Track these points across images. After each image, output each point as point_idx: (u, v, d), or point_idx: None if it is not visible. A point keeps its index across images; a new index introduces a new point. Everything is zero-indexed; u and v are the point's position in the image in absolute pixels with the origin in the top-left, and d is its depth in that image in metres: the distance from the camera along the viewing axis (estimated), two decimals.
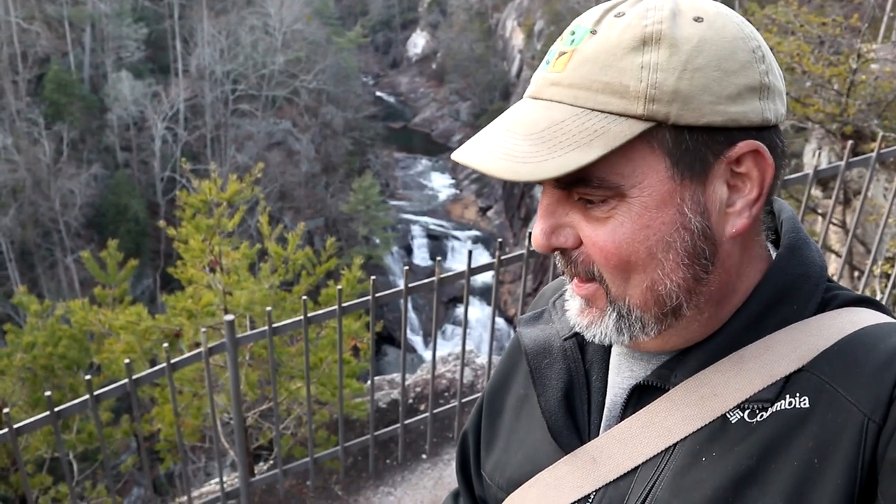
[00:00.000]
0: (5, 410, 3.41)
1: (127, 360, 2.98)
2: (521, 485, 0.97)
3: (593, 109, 0.76)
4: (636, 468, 0.85)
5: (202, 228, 4.41)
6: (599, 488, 0.88)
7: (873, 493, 0.72)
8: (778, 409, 0.78)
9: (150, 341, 4.51)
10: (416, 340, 30.85)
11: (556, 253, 0.84)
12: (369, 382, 3.81)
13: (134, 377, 3.03)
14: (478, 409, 1.16)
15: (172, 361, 3.09)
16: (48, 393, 2.91)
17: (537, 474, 0.95)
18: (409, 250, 37.52)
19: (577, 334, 0.97)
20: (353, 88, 44.00)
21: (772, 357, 0.81)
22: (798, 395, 0.78)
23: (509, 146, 0.76)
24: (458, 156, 0.80)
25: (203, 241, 4.40)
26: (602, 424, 0.92)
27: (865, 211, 4.52)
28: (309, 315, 3.20)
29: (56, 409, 2.96)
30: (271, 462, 4.42)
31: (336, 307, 3.24)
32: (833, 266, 6.03)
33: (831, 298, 0.87)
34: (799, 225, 0.91)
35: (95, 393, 2.99)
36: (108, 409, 5.51)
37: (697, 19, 0.77)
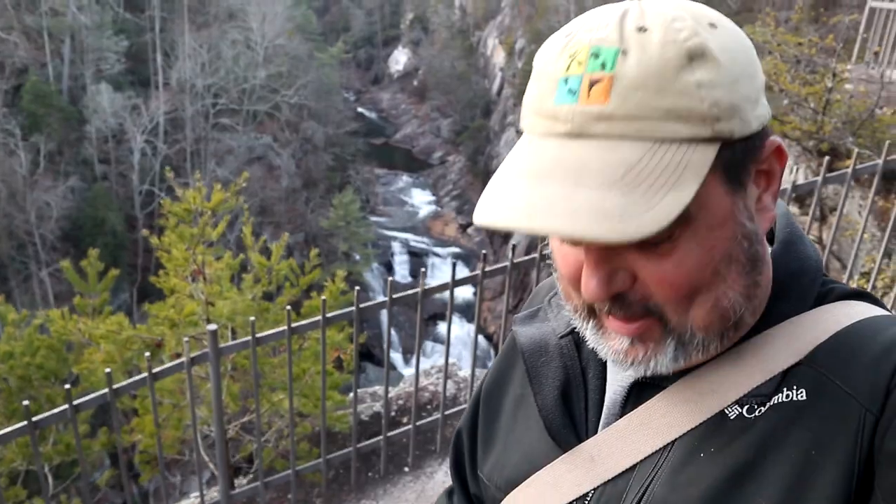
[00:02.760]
0: None
1: (108, 370, 2.96)
2: (519, 484, 0.97)
3: (663, 141, 0.70)
4: (634, 466, 0.85)
5: (186, 237, 4.39)
6: (598, 486, 0.88)
7: (871, 485, 0.72)
8: (775, 402, 0.78)
9: (132, 351, 4.47)
10: (397, 358, 30.77)
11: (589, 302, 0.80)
12: (352, 394, 3.80)
13: (114, 386, 3.01)
14: (472, 408, 1.15)
15: (154, 371, 3.06)
16: (26, 402, 2.88)
17: (535, 473, 0.94)
18: (389, 267, 37.46)
19: (572, 332, 0.96)
20: (335, 104, 44.05)
21: (770, 352, 0.81)
22: (795, 387, 0.78)
23: (595, 202, 0.68)
24: (521, 222, 0.69)
25: (186, 251, 4.38)
26: (601, 423, 0.91)
27: (841, 227, 4.60)
28: (293, 325, 3.19)
29: (33, 419, 2.92)
30: (251, 475, 4.38)
31: (320, 318, 3.23)
32: None
33: (827, 292, 0.87)
34: (793, 220, 0.91)
35: (75, 403, 2.96)
36: (85, 422, 5.44)
37: (713, 26, 0.74)
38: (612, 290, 0.76)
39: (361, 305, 3.33)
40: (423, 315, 3.49)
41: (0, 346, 5.35)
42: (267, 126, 39.11)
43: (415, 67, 55.16)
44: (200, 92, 36.75)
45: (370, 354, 29.01)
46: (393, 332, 30.25)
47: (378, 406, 4.60)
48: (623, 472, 0.86)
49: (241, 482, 4.57)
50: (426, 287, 3.38)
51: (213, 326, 3.10)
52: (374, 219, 39.85)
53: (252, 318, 3.09)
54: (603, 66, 0.71)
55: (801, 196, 5.82)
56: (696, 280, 0.75)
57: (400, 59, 57.99)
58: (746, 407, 0.79)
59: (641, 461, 0.85)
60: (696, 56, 0.70)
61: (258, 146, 37.72)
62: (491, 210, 0.73)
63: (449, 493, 1.24)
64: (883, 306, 0.87)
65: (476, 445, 1.11)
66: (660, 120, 0.70)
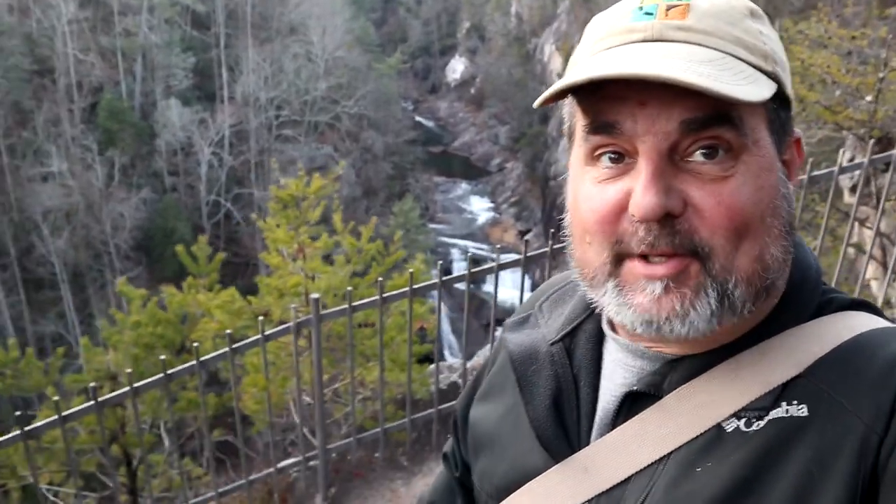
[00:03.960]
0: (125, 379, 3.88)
1: (228, 331, 3.43)
2: (509, 493, 0.94)
3: (735, 56, 0.76)
4: (629, 478, 0.83)
5: (290, 219, 4.91)
6: (591, 498, 0.86)
7: (872, 502, 0.71)
8: (775, 417, 0.76)
9: (242, 320, 4.99)
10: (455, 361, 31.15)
11: (639, 226, 0.76)
12: (432, 366, 4.21)
13: (234, 346, 3.47)
14: (467, 397, 1.14)
15: (266, 333, 3.52)
16: (162, 357, 3.37)
17: (527, 483, 0.92)
18: (448, 273, 37.76)
19: (563, 339, 0.96)
20: (394, 113, 44.83)
21: (768, 364, 0.80)
22: (796, 402, 0.76)
23: (686, 67, 0.72)
24: (618, 67, 0.73)
25: (289, 231, 4.89)
26: (593, 432, 0.89)
27: (887, 211, 4.80)
28: (384, 295, 3.61)
29: (168, 372, 3.40)
30: (343, 433, 4.84)
31: (408, 289, 3.65)
32: (871, 270, 6.27)
33: (827, 302, 0.86)
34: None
35: (201, 359, 3.44)
36: (194, 389, 6.03)
37: (754, 12, 0.82)
38: (668, 205, 0.73)
39: (444, 279, 3.73)
40: (482, 321, 3.88)
41: (131, 317, 6.00)
42: (328, 136, 39.99)
43: (472, 76, 55.63)
44: (264, 104, 37.77)
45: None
46: (452, 337, 30.75)
47: (455, 377, 5.00)
48: (618, 485, 0.84)
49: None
50: (474, 270, 3.81)
51: (316, 295, 3.54)
52: (433, 226, 40.33)
53: (349, 289, 3.52)
54: None
55: (857, 186, 6.00)
56: (749, 215, 0.75)
57: (457, 67, 58.53)
58: (744, 420, 0.78)
59: (636, 473, 0.83)
60: (755, 14, 0.81)
61: (319, 156, 38.56)
62: (591, 70, 0.75)
63: (444, 456, 1.25)
64: (883, 316, 0.87)
65: (466, 434, 1.11)
66: (732, 43, 0.76)
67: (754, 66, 0.76)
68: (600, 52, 0.79)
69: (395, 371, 4.78)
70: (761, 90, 0.73)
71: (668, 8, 0.77)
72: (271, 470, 4.15)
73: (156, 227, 33.34)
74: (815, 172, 3.92)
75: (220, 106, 38.23)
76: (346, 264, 5.13)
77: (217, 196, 35.81)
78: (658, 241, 0.75)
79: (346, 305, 3.59)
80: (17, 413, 3.31)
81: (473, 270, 3.79)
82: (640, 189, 0.74)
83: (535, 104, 0.81)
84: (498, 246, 3.94)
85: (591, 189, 0.79)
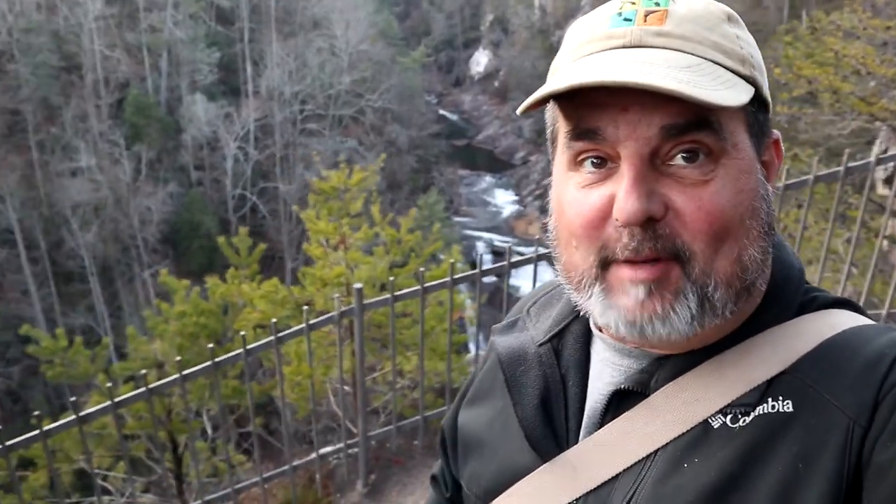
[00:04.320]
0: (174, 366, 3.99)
1: (273, 320, 3.52)
2: (498, 494, 0.96)
3: (713, 62, 0.77)
4: (617, 476, 0.84)
5: (333, 210, 5.01)
6: (580, 497, 0.87)
7: (859, 498, 0.72)
8: (761, 412, 0.78)
9: (285, 309, 5.10)
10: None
11: (623, 231, 0.77)
12: (470, 355, 4.28)
13: (279, 335, 3.57)
14: (455, 409, 1.15)
15: (311, 322, 3.61)
16: (210, 345, 3.47)
17: (516, 483, 0.93)
18: (473, 267, 37.77)
19: (551, 340, 0.98)
20: (418, 107, 44.91)
21: (753, 361, 0.81)
22: (781, 398, 0.78)
23: (665, 73, 0.73)
24: (599, 75, 0.74)
25: (331, 222, 4.99)
26: (581, 431, 0.90)
27: None
28: (425, 285, 3.69)
29: (216, 360, 3.51)
30: (383, 420, 4.94)
31: (448, 279, 3.72)
32: None
33: (809, 301, 0.87)
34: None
35: (248, 347, 3.53)
36: (237, 377, 6.18)
37: (731, 17, 0.84)
38: (650, 210, 0.75)
39: (484, 269, 3.81)
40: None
41: (175, 308, 6.14)
42: (352, 130, 40.14)
43: (495, 68, 55.56)
44: (288, 99, 37.98)
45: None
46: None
47: None
48: (606, 482, 0.85)
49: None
50: (513, 261, 3.87)
51: (358, 285, 3.62)
52: (457, 219, 40.38)
53: (392, 278, 3.61)
54: (657, 4, 0.80)
55: (892, 179, 5.99)
56: (728, 218, 0.76)
57: (481, 60, 58.47)
58: (730, 417, 0.79)
59: (624, 470, 0.84)
60: (732, 19, 0.82)
61: (344, 150, 38.73)
62: (572, 77, 0.76)
63: (433, 478, 1.26)
64: (865, 314, 0.88)
65: (455, 447, 1.11)
66: (710, 48, 0.78)
67: (732, 71, 0.78)
68: (581, 59, 0.80)
69: (434, 360, 4.88)
70: (739, 95, 0.75)
71: (647, 14, 0.79)
72: (314, 456, 4.25)
73: (182, 221, 33.68)
74: (851, 164, 3.93)
75: (244, 100, 38.49)
76: (385, 255, 5.24)
77: (242, 190, 36.11)
78: (642, 245, 0.76)
79: (387, 295, 3.67)
80: (73, 399, 3.43)
81: (513, 261, 3.85)
82: (622, 194, 0.75)
83: (518, 111, 0.81)
84: (537, 237, 4.01)
85: (576, 194, 0.81)
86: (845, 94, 5.95)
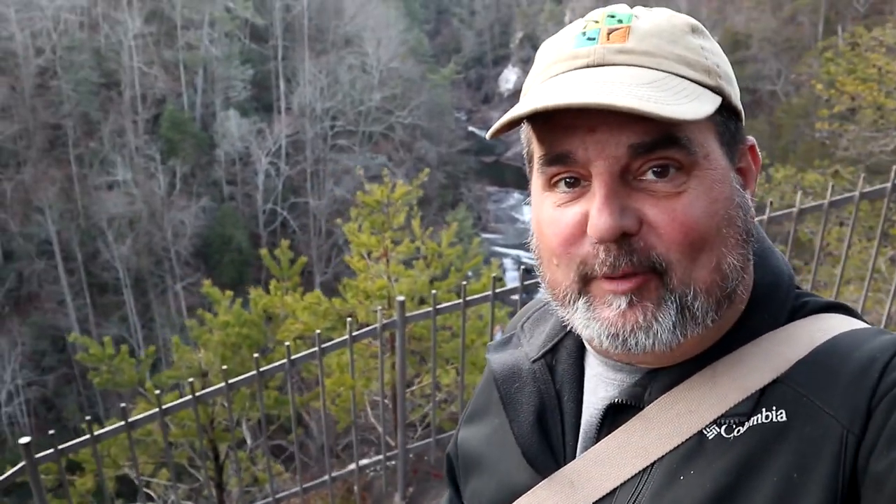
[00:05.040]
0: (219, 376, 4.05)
1: (318, 331, 3.57)
2: None
3: (677, 75, 0.78)
4: (615, 490, 0.84)
5: (376, 224, 5.09)
6: None
7: None
8: (755, 423, 0.78)
9: (327, 321, 5.17)
10: None
11: (599, 248, 0.77)
12: None
13: (323, 346, 3.62)
14: (457, 434, 1.15)
15: (354, 334, 3.65)
16: (256, 355, 3.53)
17: (515, 501, 0.93)
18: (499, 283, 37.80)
19: (545, 356, 0.98)
20: (447, 124, 45.15)
21: (745, 370, 0.81)
22: (774, 408, 0.78)
23: (627, 91, 0.74)
24: (561, 97, 0.74)
25: (374, 235, 5.06)
26: (578, 446, 0.90)
27: None
28: (467, 299, 3.72)
29: (260, 370, 3.56)
30: (421, 433, 4.96)
31: (490, 293, 3.75)
32: None
33: (801, 306, 0.87)
34: (763, 233, 0.91)
35: (292, 357, 3.58)
36: (278, 388, 6.27)
37: (695, 28, 0.84)
38: (623, 225, 0.75)
39: (525, 283, 3.82)
40: None
41: (219, 318, 6.25)
42: (382, 146, 40.44)
43: None
44: (319, 115, 38.36)
45: None
46: None
47: None
48: (603, 497, 0.85)
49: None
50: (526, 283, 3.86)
51: (401, 297, 3.66)
52: (485, 236, 40.41)
53: (434, 291, 3.64)
54: (619, 21, 0.81)
55: None
56: (704, 229, 0.76)
57: (510, 77, 58.64)
58: (725, 427, 0.79)
59: (622, 485, 0.84)
60: (697, 30, 0.83)
61: (374, 166, 39.00)
62: (536, 100, 0.76)
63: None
64: (858, 317, 0.88)
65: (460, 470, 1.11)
66: (674, 61, 0.78)
67: (697, 82, 0.78)
68: (548, 80, 0.82)
69: (474, 373, 4.90)
70: (703, 106, 0.75)
71: (610, 32, 0.80)
72: (353, 467, 4.28)
73: (214, 235, 34.06)
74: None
75: (277, 116, 38.94)
76: (425, 269, 5.29)
77: (273, 205, 36.46)
78: (618, 261, 0.77)
79: (428, 308, 3.70)
80: (122, 405, 3.50)
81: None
82: (594, 212, 0.76)
83: (487, 135, 0.84)
84: None
85: (552, 213, 0.82)
86: (889, 109, 5.90)
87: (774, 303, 0.86)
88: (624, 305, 0.78)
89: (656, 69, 0.77)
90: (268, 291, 6.30)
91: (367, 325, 3.93)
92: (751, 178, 0.85)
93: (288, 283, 6.19)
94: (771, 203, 3.84)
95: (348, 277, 6.03)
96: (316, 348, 3.62)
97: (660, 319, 0.77)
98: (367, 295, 5.11)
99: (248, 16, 39.49)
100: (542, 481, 0.90)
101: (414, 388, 5.23)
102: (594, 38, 0.80)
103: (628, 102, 0.71)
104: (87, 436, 3.35)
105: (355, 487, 4.54)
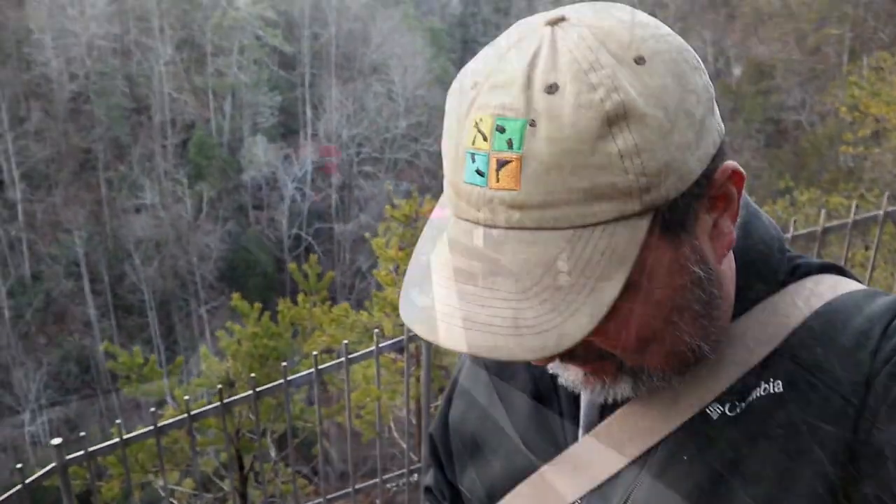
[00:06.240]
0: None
1: (345, 341, 3.64)
2: (500, 498, 0.93)
3: (584, 226, 0.63)
4: (618, 472, 0.82)
5: (405, 238, 5.19)
6: (583, 496, 0.84)
7: (857, 476, 0.70)
8: (756, 396, 0.76)
9: (354, 334, 5.24)
10: None
11: None
12: None
13: (350, 356, 3.68)
14: (443, 415, 1.10)
15: (380, 346, 3.71)
16: (284, 363, 3.60)
17: (517, 487, 0.90)
18: None
19: None
20: None
21: (743, 343, 0.79)
22: (772, 379, 0.76)
23: (511, 314, 0.63)
24: (437, 335, 0.65)
25: (401, 250, 5.16)
26: (579, 430, 0.88)
27: None
28: None
29: (287, 378, 3.62)
30: None
31: None
32: None
33: (793, 269, 0.84)
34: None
35: (319, 368, 3.65)
36: (301, 401, 6.36)
37: (639, 61, 0.64)
38: (553, 357, 0.67)
39: None
40: None
41: (248, 329, 6.38)
42: (407, 173, 40.66)
43: None
44: (345, 142, 38.73)
45: None
46: None
47: None
48: (607, 479, 0.82)
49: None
50: None
51: None
52: None
53: None
54: (510, 143, 0.63)
55: None
56: (645, 334, 0.71)
57: None
58: (728, 405, 0.77)
59: (625, 466, 0.81)
60: (615, 119, 0.62)
61: (399, 192, 39.19)
62: (411, 312, 0.70)
63: (427, 490, 1.20)
64: (853, 277, 0.85)
65: (450, 453, 1.07)
66: (579, 204, 0.63)
67: (615, 220, 0.63)
68: (430, 253, 0.71)
69: None
70: (610, 288, 0.63)
71: (500, 166, 0.64)
72: (376, 480, 4.31)
73: (239, 259, 34.33)
74: None
75: (303, 142, 39.36)
76: None
77: (298, 230, 36.72)
78: (564, 363, 0.77)
79: None
80: (153, 409, 3.57)
81: None
82: None
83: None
84: None
85: None
86: None
87: (767, 271, 0.82)
88: (582, 376, 0.78)
89: (557, 228, 0.63)
90: (296, 303, 6.42)
91: (394, 338, 3.98)
92: (731, 201, 0.72)
93: (316, 297, 6.32)
94: (795, 222, 3.87)
95: (370, 303, 6.12)
96: (343, 359, 3.69)
97: (617, 389, 0.77)
98: (394, 308, 5.17)
99: (277, 43, 40.10)
100: (544, 466, 0.88)
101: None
102: (483, 174, 0.65)
103: (502, 351, 0.63)
104: (117, 439, 3.43)
105: (377, 502, 4.57)
